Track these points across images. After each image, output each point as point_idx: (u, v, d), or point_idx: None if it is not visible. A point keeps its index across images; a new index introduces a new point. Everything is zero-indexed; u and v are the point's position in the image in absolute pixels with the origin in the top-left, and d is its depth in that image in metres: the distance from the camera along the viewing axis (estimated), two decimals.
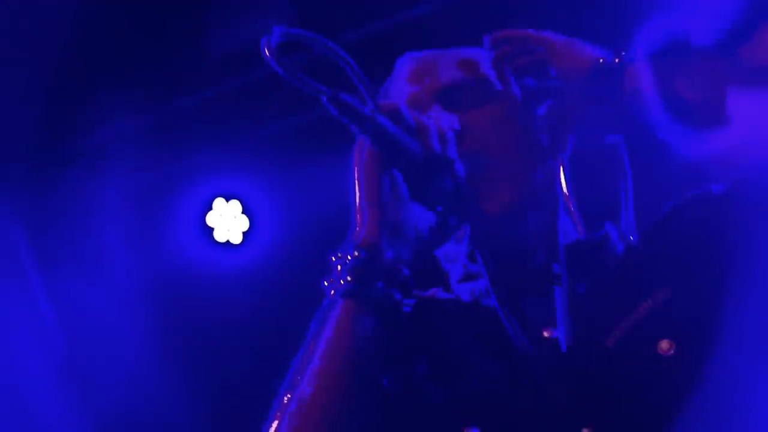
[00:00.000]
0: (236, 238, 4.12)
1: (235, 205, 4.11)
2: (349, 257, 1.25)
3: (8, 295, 4.06)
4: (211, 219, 4.10)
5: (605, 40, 1.70)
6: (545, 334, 1.36)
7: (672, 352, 1.26)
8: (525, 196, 1.41)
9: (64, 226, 4.00)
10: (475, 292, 1.42)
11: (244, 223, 4.10)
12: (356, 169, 1.27)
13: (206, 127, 3.95)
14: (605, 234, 1.45)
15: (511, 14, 3.25)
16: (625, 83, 1.36)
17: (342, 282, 1.25)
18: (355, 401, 1.23)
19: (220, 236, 4.13)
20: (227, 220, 4.12)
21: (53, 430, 4.00)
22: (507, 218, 1.39)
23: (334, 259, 1.28)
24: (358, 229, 1.27)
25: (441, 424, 1.32)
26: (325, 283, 1.28)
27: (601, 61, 1.38)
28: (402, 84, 1.46)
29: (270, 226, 4.11)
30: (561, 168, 1.51)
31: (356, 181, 1.27)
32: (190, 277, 4.16)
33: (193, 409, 4.13)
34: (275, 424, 1.22)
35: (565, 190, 1.51)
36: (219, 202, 4.11)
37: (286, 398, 1.24)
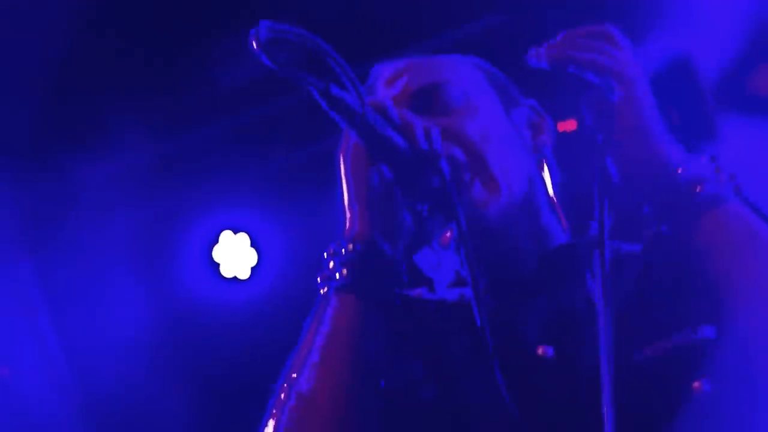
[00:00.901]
0: (244, 274, 4.12)
1: (243, 239, 4.12)
2: (344, 251, 1.23)
3: (17, 329, 4.09)
4: (217, 254, 4.12)
5: None
6: (539, 351, 1.31)
7: (708, 389, 1.21)
8: (509, 191, 1.37)
9: (72, 260, 4.03)
10: (465, 297, 1.37)
11: (251, 258, 4.11)
12: (343, 164, 1.26)
13: (214, 161, 3.99)
14: (592, 236, 1.39)
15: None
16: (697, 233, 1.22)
17: (337, 276, 1.22)
18: (355, 396, 1.21)
19: (226, 271, 4.14)
20: (234, 255, 4.13)
21: None
22: (493, 215, 1.35)
23: (326, 254, 1.25)
24: (349, 224, 1.25)
25: (438, 429, 1.29)
26: (318, 279, 1.25)
27: (679, 170, 1.22)
28: (377, 88, 1.45)
29: (278, 260, 4.12)
30: (545, 164, 1.47)
31: (344, 177, 1.26)
32: (196, 312, 4.17)
33: None
34: (273, 420, 1.20)
35: (550, 187, 1.47)
36: (226, 235, 4.12)
37: (283, 394, 1.21)
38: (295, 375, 1.22)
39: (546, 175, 1.48)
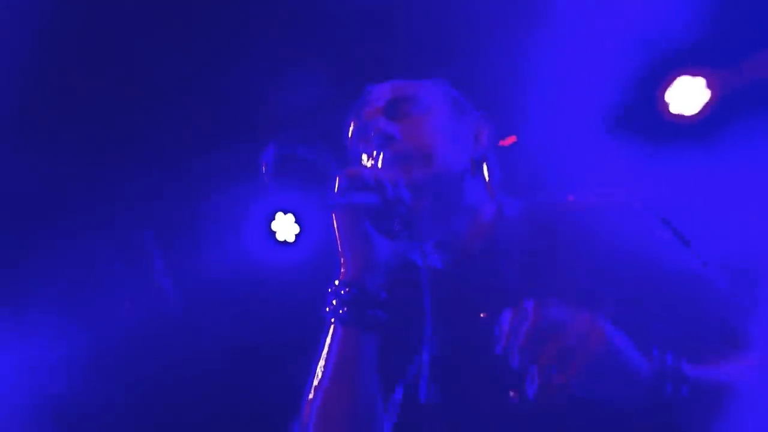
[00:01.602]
0: (291, 239, 4.76)
1: (290, 217, 4.76)
2: (342, 292, 1.43)
3: (140, 281, 4.87)
4: (274, 225, 4.79)
5: None
6: (482, 315, 1.48)
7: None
8: (443, 169, 1.55)
9: (183, 232, 4.80)
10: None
11: (296, 229, 4.76)
12: (336, 223, 1.49)
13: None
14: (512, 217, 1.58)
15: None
16: None
17: (340, 312, 1.43)
18: (360, 402, 1.42)
19: (280, 237, 4.74)
20: (285, 227, 4.76)
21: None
22: (424, 180, 1.52)
23: (330, 291, 1.46)
24: (344, 269, 1.46)
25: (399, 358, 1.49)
26: (327, 309, 1.46)
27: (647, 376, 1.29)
28: (366, 102, 1.67)
29: (317, 231, 4.67)
30: (485, 161, 1.63)
31: (337, 233, 1.48)
32: (258, 269, 4.77)
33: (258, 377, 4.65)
34: (307, 411, 1.42)
35: (487, 178, 1.61)
36: (279, 214, 4.79)
37: (311, 395, 1.42)
38: (317, 383, 1.42)
39: (484, 168, 1.64)
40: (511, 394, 1.36)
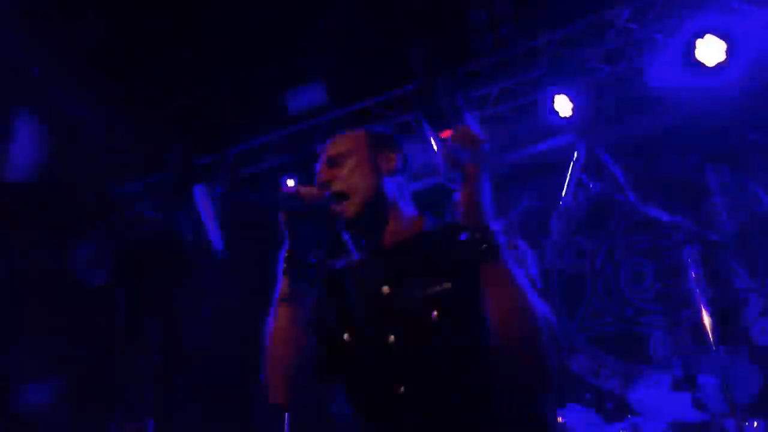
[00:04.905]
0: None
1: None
2: (285, 255, 1.91)
3: None
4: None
5: None
6: (384, 289, 1.99)
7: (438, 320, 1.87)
8: (358, 201, 2.04)
9: None
10: (349, 263, 2.11)
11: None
12: (281, 216, 1.93)
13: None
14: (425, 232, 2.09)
15: None
16: None
17: (282, 267, 1.93)
18: (301, 343, 1.89)
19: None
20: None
21: None
22: (349, 214, 2.02)
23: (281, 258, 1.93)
24: (287, 247, 1.93)
25: (349, 356, 1.97)
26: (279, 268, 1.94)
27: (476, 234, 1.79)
28: (321, 152, 2.15)
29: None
30: (400, 182, 2.12)
31: (283, 221, 1.93)
32: None
33: None
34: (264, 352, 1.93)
35: (405, 196, 2.13)
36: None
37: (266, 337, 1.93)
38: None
39: (401, 188, 2.12)
40: (392, 338, 1.91)
